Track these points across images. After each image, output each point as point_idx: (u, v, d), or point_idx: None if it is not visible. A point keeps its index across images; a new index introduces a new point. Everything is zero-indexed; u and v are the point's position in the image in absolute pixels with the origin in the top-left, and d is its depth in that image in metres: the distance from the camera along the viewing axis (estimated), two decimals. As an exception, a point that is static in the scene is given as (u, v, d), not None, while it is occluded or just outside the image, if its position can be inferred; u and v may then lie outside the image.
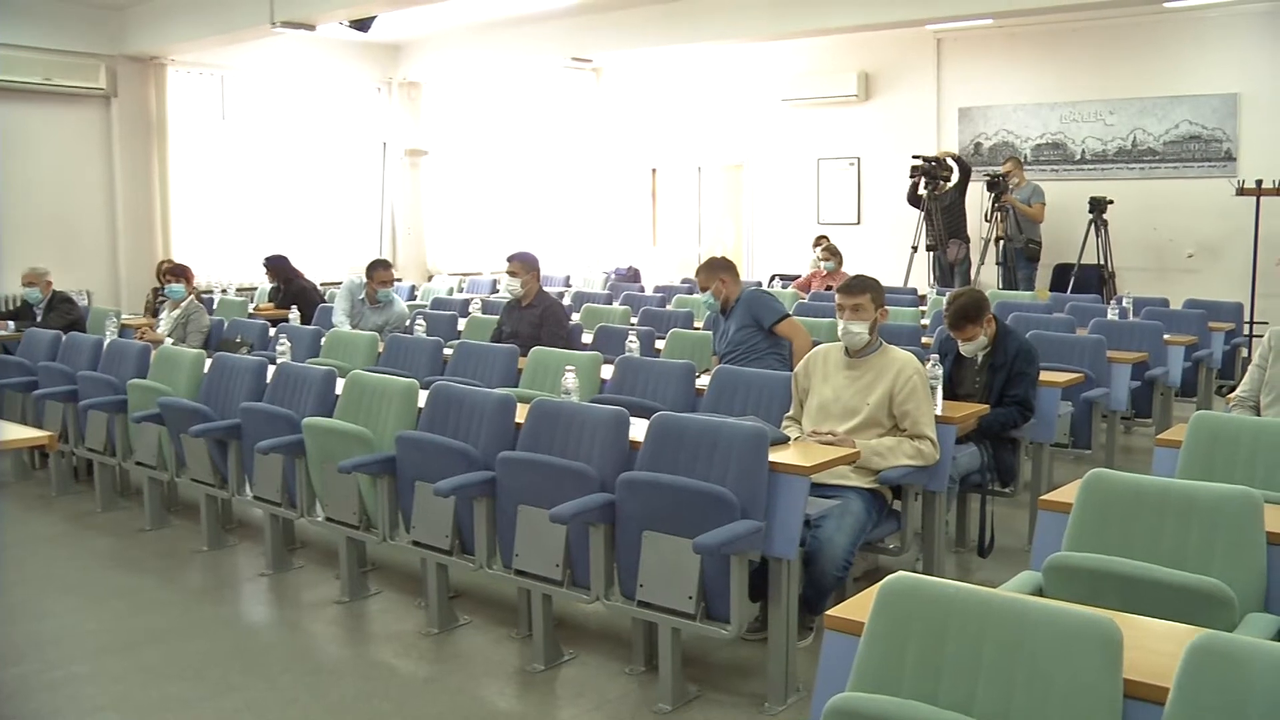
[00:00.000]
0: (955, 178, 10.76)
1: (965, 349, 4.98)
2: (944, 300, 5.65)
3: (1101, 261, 10.27)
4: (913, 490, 4.23)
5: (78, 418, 6.19)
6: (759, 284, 10.13)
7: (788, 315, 5.73)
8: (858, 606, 2.29)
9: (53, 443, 4.43)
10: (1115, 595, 2.48)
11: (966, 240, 10.74)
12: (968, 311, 4.93)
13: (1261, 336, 4.45)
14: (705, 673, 3.89)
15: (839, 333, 4.35)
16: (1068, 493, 2.98)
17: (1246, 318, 8.94)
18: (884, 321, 4.43)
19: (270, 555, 5.09)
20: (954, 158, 10.86)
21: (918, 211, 10.86)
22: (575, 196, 14.61)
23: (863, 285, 4.36)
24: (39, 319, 7.74)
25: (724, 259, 6.00)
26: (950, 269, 10.71)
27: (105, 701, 3.77)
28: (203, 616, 4.64)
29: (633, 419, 4.01)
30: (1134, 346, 6.54)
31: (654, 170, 14.45)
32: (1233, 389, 4.69)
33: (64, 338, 6.96)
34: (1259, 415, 4.16)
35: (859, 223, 12.49)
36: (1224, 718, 1.75)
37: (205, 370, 5.75)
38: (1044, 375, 5.15)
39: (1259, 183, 9.39)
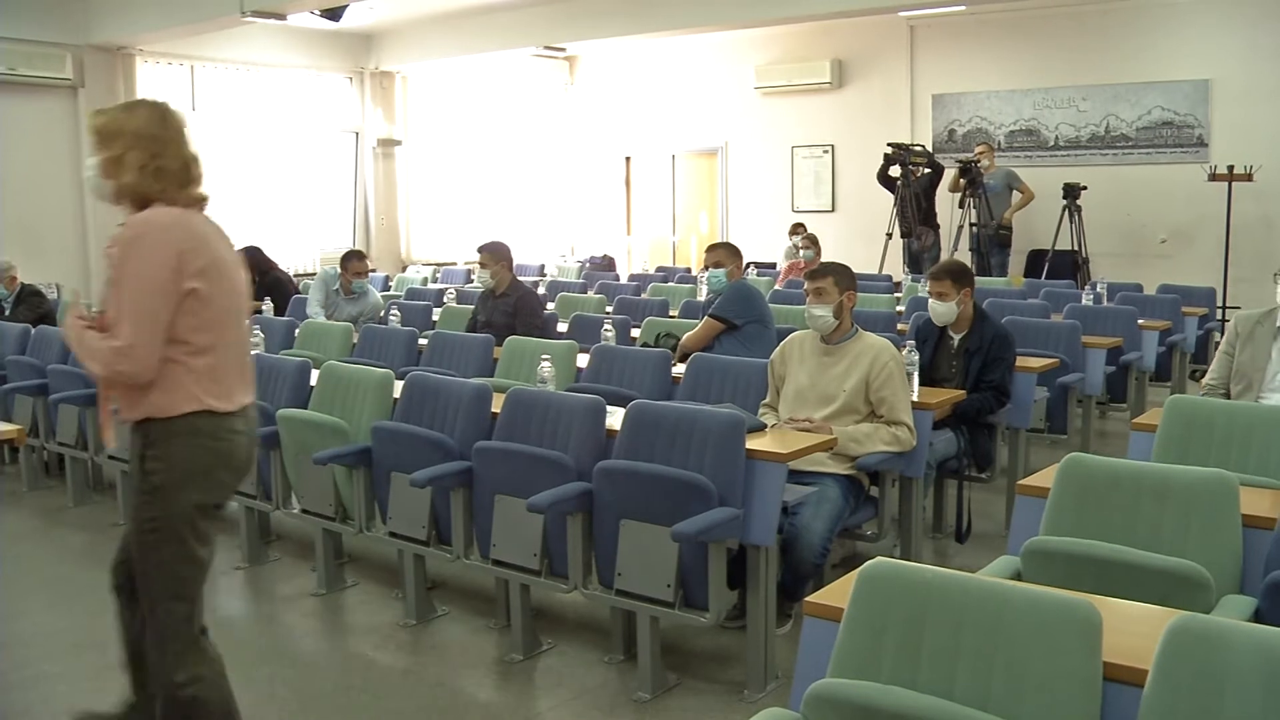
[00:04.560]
0: (928, 172, 10.79)
1: (934, 308, 4.99)
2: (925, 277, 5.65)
3: (1075, 247, 10.33)
4: (890, 476, 4.24)
5: (48, 412, 6.11)
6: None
7: (712, 317, 5.68)
8: (836, 593, 2.29)
9: (21, 437, 4.36)
10: (1093, 579, 2.48)
11: (936, 228, 10.78)
12: (952, 268, 5.05)
13: (1233, 321, 4.48)
14: (684, 661, 3.88)
15: (806, 316, 4.40)
16: (1044, 477, 2.99)
17: (1219, 302, 9.01)
18: (853, 306, 4.44)
19: (246, 548, 5.05)
20: (927, 157, 10.87)
21: (891, 198, 10.88)
22: (549, 185, 14.57)
23: (825, 269, 4.44)
24: (7, 313, 7.63)
25: (731, 245, 6.08)
26: (919, 256, 10.74)
27: (78, 700, 3.72)
28: (177, 611, 4.59)
29: (609, 408, 4.00)
30: (1108, 332, 6.57)
31: (628, 159, 14.41)
32: (1205, 373, 4.72)
33: (33, 331, 6.87)
34: (1231, 400, 4.19)
35: (833, 210, 12.51)
36: (1202, 698, 1.76)
37: (177, 363, 5.69)
38: (1019, 361, 5.16)
39: (1230, 168, 9.45)
